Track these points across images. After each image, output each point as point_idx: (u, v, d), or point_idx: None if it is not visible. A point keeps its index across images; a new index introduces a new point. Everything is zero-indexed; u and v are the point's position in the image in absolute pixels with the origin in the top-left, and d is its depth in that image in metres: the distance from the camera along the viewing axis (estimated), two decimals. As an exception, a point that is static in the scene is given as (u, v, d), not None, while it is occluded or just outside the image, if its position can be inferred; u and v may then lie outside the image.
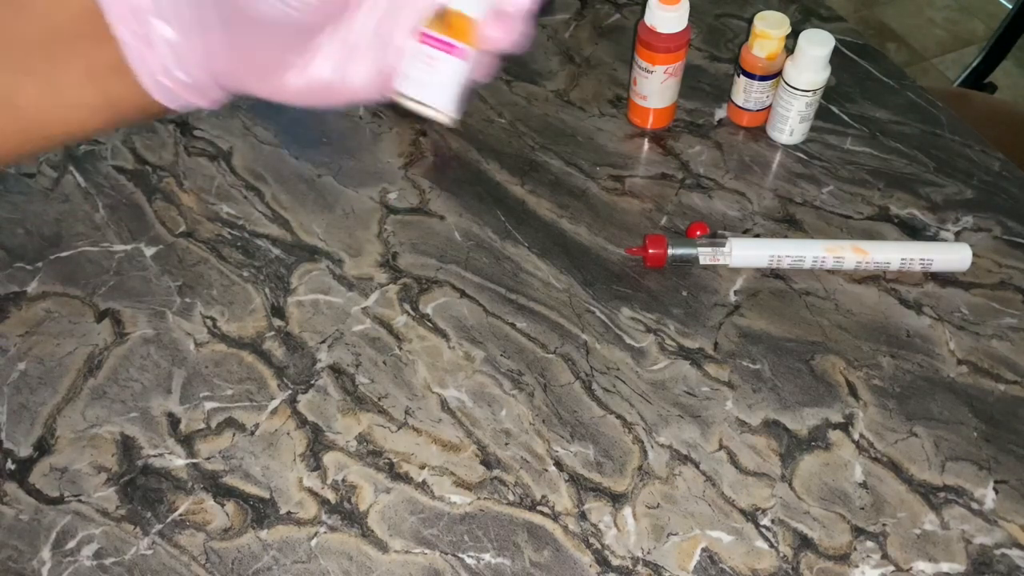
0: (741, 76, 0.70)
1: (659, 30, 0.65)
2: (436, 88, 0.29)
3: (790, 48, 0.68)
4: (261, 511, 0.52)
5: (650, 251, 0.62)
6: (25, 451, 0.55)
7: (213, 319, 0.61)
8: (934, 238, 0.66)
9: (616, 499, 0.52)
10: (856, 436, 0.55)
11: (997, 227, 0.66)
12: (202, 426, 0.56)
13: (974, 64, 1.54)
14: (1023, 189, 0.68)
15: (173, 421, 0.56)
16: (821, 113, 0.73)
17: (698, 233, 0.64)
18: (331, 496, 0.53)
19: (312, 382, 0.58)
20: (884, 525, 0.51)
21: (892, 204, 0.68)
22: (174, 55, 0.28)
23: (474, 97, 0.74)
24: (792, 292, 0.63)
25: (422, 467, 0.54)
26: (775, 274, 0.64)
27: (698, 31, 0.81)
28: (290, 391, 0.58)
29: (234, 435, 0.55)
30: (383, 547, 0.51)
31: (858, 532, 0.51)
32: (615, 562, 0.50)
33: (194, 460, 0.54)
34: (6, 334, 0.61)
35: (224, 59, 0.29)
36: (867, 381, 0.58)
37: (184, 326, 0.61)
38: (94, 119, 0.30)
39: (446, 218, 0.67)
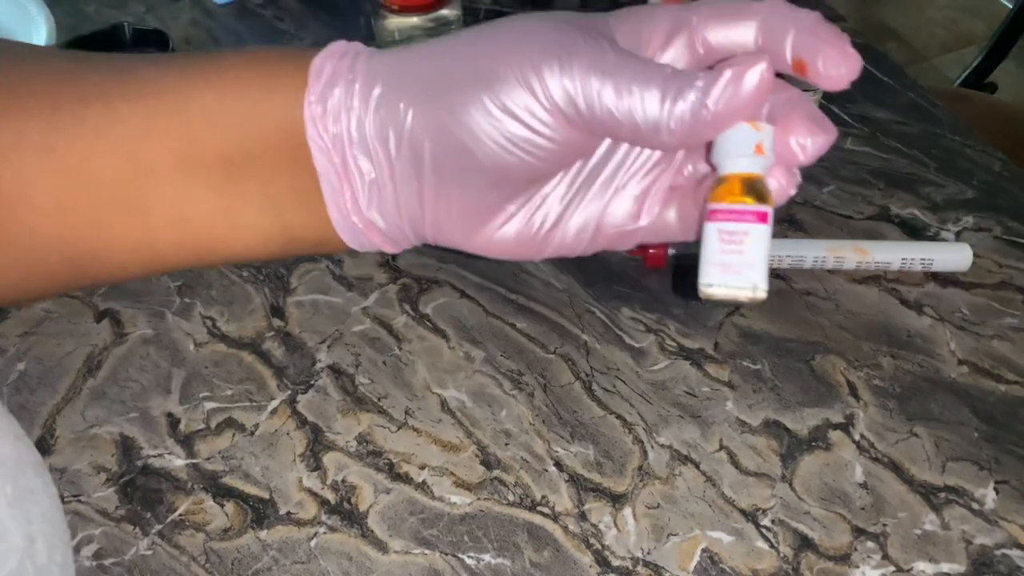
0: (741, 76, 0.69)
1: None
2: (747, 267, 0.25)
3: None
4: (261, 511, 0.52)
5: (650, 251, 0.62)
6: (24, 451, 0.55)
7: (212, 319, 0.61)
8: (935, 238, 0.66)
9: (616, 499, 0.52)
10: (856, 436, 0.55)
11: (998, 227, 0.66)
12: (202, 426, 0.56)
13: (975, 64, 1.54)
14: (1024, 189, 0.68)
15: (173, 421, 0.56)
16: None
17: (698, 233, 0.64)
18: (331, 496, 0.53)
19: (312, 382, 0.58)
20: (884, 525, 0.51)
21: (893, 204, 0.68)
22: (373, 195, 0.25)
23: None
24: (792, 292, 0.63)
25: (422, 467, 0.54)
26: (775, 274, 0.64)
27: (698, 31, 0.81)
28: (290, 391, 0.58)
29: (234, 435, 0.55)
30: (383, 547, 0.51)
31: (858, 532, 0.51)
32: (615, 562, 0.50)
33: (194, 460, 0.54)
34: (5, 334, 0.61)
35: (432, 206, 0.25)
36: (868, 381, 0.58)
37: (183, 326, 0.61)
38: (264, 246, 0.27)
39: (446, 218, 0.67)
